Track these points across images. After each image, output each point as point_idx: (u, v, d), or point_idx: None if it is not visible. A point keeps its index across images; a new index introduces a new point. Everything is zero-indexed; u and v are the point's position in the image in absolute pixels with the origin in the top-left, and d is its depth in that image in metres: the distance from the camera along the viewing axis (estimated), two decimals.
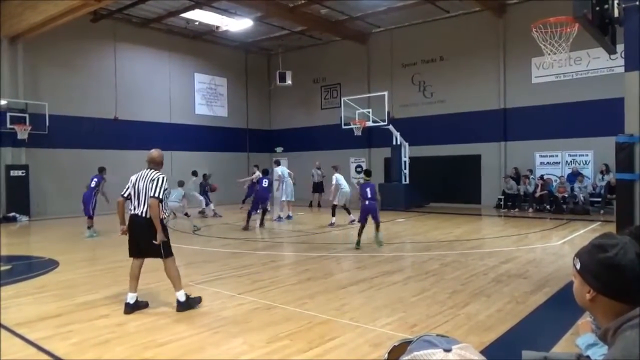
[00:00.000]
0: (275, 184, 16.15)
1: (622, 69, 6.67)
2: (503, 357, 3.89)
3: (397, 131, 17.50)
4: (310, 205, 18.71)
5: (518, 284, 6.25)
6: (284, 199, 14.59)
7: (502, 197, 16.63)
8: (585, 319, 1.91)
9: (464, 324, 4.65)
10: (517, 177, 16.60)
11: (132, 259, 5.34)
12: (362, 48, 21.01)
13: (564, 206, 15.07)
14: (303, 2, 17.17)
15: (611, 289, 1.41)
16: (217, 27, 19.05)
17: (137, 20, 18.87)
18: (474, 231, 11.96)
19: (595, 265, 1.43)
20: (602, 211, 14.39)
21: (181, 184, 13.46)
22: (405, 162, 17.61)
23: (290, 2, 17.15)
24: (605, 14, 6.03)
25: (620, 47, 6.55)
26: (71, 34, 16.68)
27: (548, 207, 15.45)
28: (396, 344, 1.19)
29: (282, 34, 20.93)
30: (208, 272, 7.24)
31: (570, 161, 16.15)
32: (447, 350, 0.99)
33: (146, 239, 5.14)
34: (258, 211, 12.96)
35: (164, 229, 5.21)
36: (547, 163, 16.64)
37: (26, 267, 8.23)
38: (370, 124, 17.44)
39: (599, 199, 14.67)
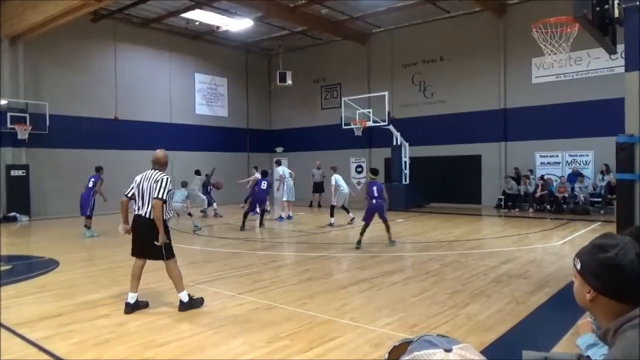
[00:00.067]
0: (276, 184, 16.16)
1: (622, 69, 6.67)
2: (503, 357, 3.89)
3: (398, 131, 17.49)
4: (311, 205, 18.71)
5: (518, 284, 6.25)
6: (284, 199, 14.59)
7: (503, 197, 16.63)
8: (586, 319, 1.91)
9: (464, 324, 4.65)
10: (517, 177, 16.60)
11: (134, 259, 5.35)
12: (363, 48, 21.01)
13: (564, 206, 15.07)
14: (303, 2, 17.17)
15: (611, 289, 1.41)
16: (218, 27, 19.05)
17: (137, 20, 18.88)
18: (474, 231, 11.96)
19: (596, 265, 1.43)
20: (602, 211, 14.39)
21: (184, 184, 13.46)
22: (405, 162, 17.61)
23: (290, 2, 17.15)
24: (606, 14, 6.02)
25: (620, 47, 6.54)
26: (71, 34, 16.69)
27: (548, 207, 15.45)
28: (397, 344, 1.19)
29: (282, 34, 20.93)
30: (208, 272, 7.24)
31: (571, 161, 16.15)
32: (448, 350, 0.99)
33: (148, 239, 5.14)
34: (257, 212, 12.97)
35: (167, 230, 5.21)
36: (548, 163, 16.64)
37: (26, 267, 8.23)
38: (370, 124, 17.44)
39: (599, 199, 14.66)
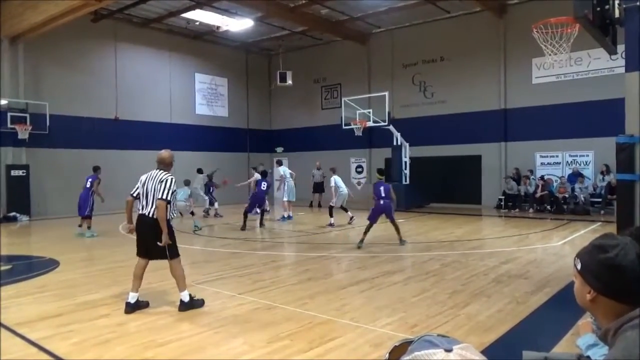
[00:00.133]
0: (277, 184, 16.14)
1: (622, 70, 6.67)
2: (503, 357, 3.89)
3: (398, 131, 17.49)
4: (311, 205, 18.72)
5: (518, 284, 6.25)
6: (285, 199, 14.59)
7: (503, 197, 16.64)
8: (586, 320, 1.91)
9: (464, 324, 4.65)
10: (517, 178, 16.60)
11: (135, 259, 5.35)
12: (363, 48, 21.01)
13: (565, 207, 15.07)
14: (304, 2, 17.17)
15: (612, 290, 1.41)
16: (218, 27, 19.05)
17: (137, 20, 18.88)
18: (475, 231, 11.97)
19: (596, 265, 1.43)
20: (602, 212, 14.39)
21: (187, 182, 13.44)
22: (405, 162, 17.60)
23: (290, 2, 17.15)
24: (606, 15, 6.02)
25: (620, 48, 6.54)
26: (72, 34, 16.69)
27: (548, 207, 15.45)
28: (397, 344, 1.19)
29: (282, 34, 20.93)
30: (209, 272, 7.24)
31: (571, 162, 16.15)
32: (448, 350, 0.99)
33: (152, 239, 5.15)
34: (257, 212, 12.97)
35: (171, 230, 5.22)
36: (548, 163, 16.64)
37: (26, 267, 8.23)
38: (370, 124, 17.44)
39: (600, 200, 14.66)
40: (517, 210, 16.00)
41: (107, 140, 17.97)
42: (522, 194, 16.23)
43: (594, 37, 6.19)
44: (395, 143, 17.60)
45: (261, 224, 12.81)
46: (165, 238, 5.09)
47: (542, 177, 16.04)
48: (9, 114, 15.45)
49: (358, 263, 7.92)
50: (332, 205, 13.06)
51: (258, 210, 12.99)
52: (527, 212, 15.63)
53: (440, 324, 4.65)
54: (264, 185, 12.75)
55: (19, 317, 5.01)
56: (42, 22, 14.44)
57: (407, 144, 17.64)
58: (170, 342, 4.27)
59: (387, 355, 1.19)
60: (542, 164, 16.75)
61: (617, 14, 6.08)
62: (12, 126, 15.45)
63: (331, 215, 12.97)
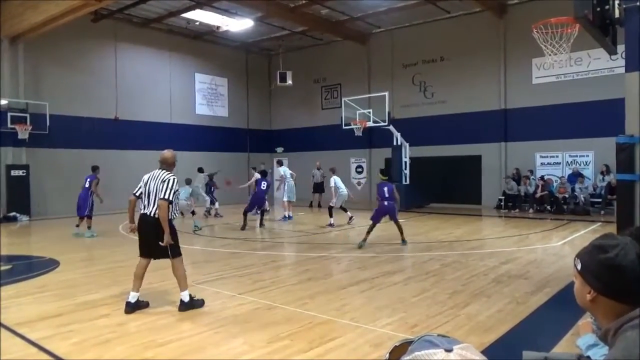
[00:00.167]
0: (277, 184, 16.13)
1: (622, 70, 6.68)
2: (503, 357, 3.89)
3: (398, 131, 17.49)
4: (311, 205, 18.72)
5: (518, 284, 6.25)
6: (285, 199, 14.59)
7: (503, 197, 16.63)
8: (586, 320, 1.91)
9: (464, 325, 4.65)
10: (517, 178, 16.60)
11: (136, 258, 5.35)
12: (363, 48, 21.01)
13: (565, 207, 15.07)
14: (303, 2, 17.17)
15: (612, 290, 1.41)
16: (218, 27, 19.05)
17: (137, 20, 18.88)
18: (475, 232, 11.97)
19: (596, 265, 1.43)
20: (602, 212, 14.40)
21: (188, 181, 13.42)
22: (405, 162, 17.60)
23: (290, 2, 17.16)
24: (606, 15, 6.03)
25: (620, 48, 6.54)
26: (72, 34, 16.70)
27: (548, 207, 15.45)
28: (397, 344, 1.19)
29: (282, 34, 20.94)
30: (209, 272, 7.24)
31: (571, 162, 16.15)
32: (449, 350, 0.99)
33: (153, 238, 5.15)
34: (257, 212, 12.96)
35: (173, 230, 5.22)
36: (548, 164, 16.64)
37: (26, 267, 8.24)
38: (370, 124, 17.43)
39: (600, 200, 14.66)
40: (517, 210, 15.99)
41: (107, 140, 17.97)
42: (522, 194, 16.23)
43: (594, 37, 6.19)
44: (395, 143, 17.60)
45: (261, 224, 12.81)
46: (167, 238, 5.09)
47: (542, 177, 16.04)
48: (9, 114, 15.45)
49: (358, 263, 7.92)
50: (331, 205, 13.06)
51: (258, 211, 12.98)
52: (527, 212, 15.63)
53: (441, 324, 4.65)
54: (263, 185, 12.74)
55: (19, 317, 5.01)
56: (42, 22, 14.44)
57: (407, 144, 17.64)
58: (171, 342, 4.27)
59: (387, 355, 1.19)
60: (542, 164, 16.75)
61: (617, 14, 6.09)
62: (12, 126, 15.46)
63: (331, 216, 12.97)
